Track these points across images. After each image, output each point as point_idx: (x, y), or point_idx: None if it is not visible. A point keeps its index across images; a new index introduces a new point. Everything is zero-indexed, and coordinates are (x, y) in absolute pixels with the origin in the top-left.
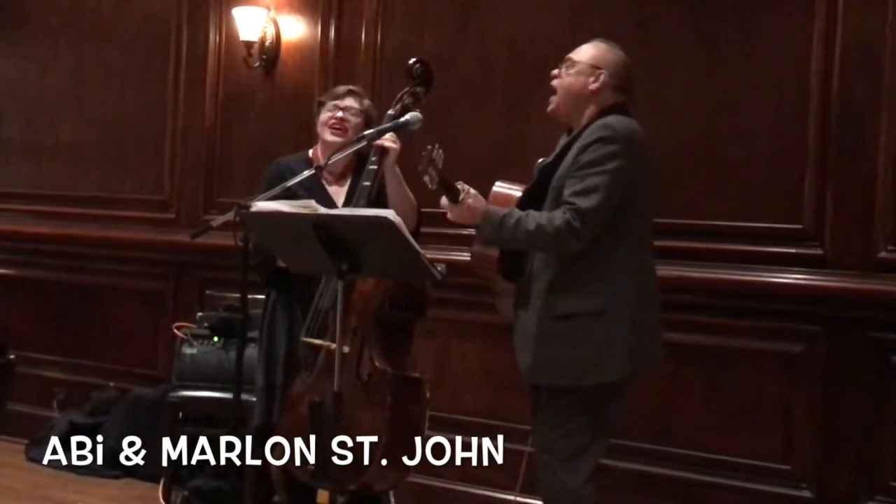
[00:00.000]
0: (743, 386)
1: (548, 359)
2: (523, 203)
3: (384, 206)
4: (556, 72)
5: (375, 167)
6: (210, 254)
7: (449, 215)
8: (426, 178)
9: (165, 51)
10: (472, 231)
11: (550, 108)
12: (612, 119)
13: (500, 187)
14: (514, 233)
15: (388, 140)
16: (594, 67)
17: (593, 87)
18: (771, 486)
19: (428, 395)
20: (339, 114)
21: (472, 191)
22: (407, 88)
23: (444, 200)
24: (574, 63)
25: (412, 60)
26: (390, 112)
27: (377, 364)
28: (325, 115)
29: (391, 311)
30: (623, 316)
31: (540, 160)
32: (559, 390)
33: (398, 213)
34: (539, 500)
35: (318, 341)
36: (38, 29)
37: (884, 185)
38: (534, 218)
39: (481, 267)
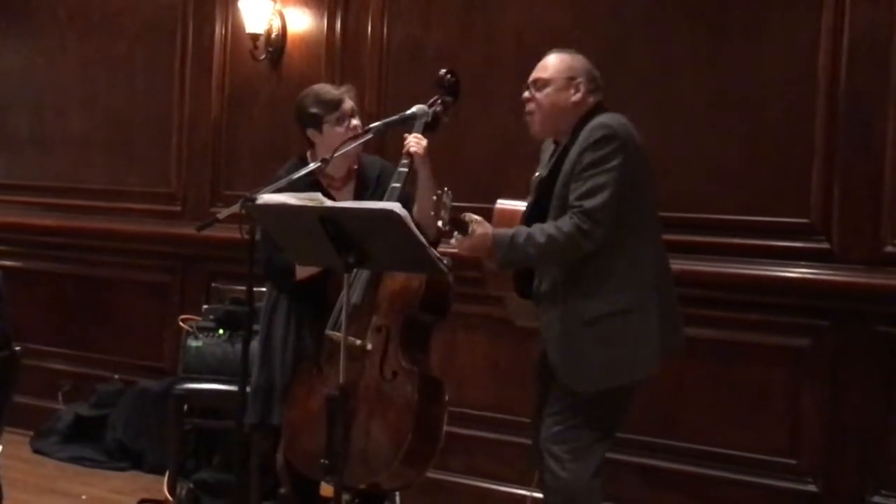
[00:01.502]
0: (750, 380)
1: (582, 366)
2: (528, 219)
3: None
4: (527, 94)
5: (406, 169)
6: (216, 246)
7: (459, 250)
8: (439, 222)
9: (172, 43)
10: None
11: (534, 130)
12: (606, 118)
13: (502, 204)
14: (527, 250)
15: (415, 144)
16: (570, 79)
17: (575, 98)
18: (777, 480)
19: (447, 397)
20: (354, 122)
21: (476, 217)
22: (437, 98)
23: (456, 237)
24: (547, 81)
25: (443, 71)
26: (421, 118)
27: (403, 364)
28: (339, 129)
29: (419, 311)
30: (649, 310)
31: (536, 175)
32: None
33: (428, 214)
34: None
35: (339, 334)
36: (45, 21)
37: (891, 180)
38: (543, 230)
39: (496, 286)
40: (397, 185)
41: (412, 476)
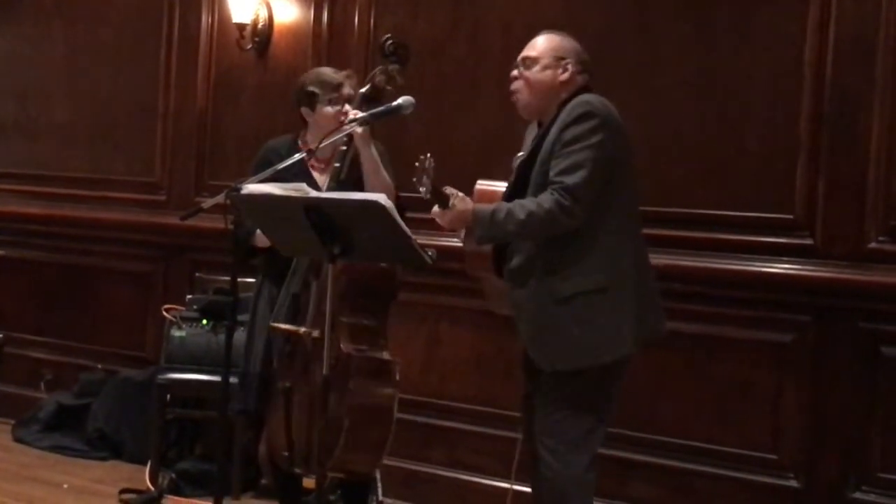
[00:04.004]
0: (732, 375)
1: (558, 344)
2: (507, 198)
3: (361, 186)
4: (515, 73)
5: (345, 148)
6: (200, 236)
7: (439, 221)
8: (421, 189)
9: (158, 32)
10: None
11: (520, 105)
12: (588, 96)
13: (482, 185)
14: (507, 225)
15: (347, 122)
16: (559, 59)
17: (563, 77)
18: (758, 475)
19: (398, 377)
20: (347, 108)
21: (460, 193)
22: (379, 66)
23: (434, 209)
24: (535, 59)
25: (385, 37)
26: (362, 91)
27: (343, 348)
28: (329, 110)
29: (356, 295)
30: (626, 290)
31: (518, 154)
32: (565, 372)
33: (376, 191)
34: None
35: (285, 326)
36: (31, 9)
37: (875, 176)
38: (523, 206)
39: (475, 266)
40: (337, 164)
41: (368, 460)
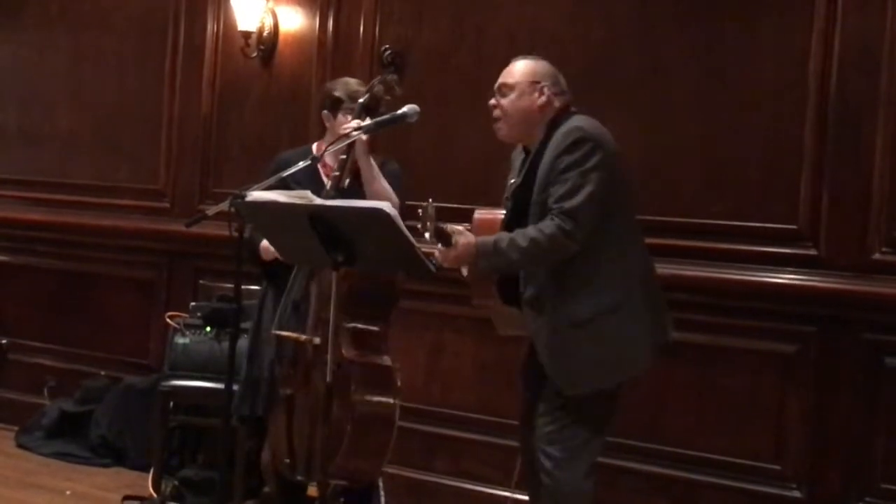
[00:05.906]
0: (735, 385)
1: (581, 366)
2: (507, 226)
3: (362, 196)
4: (493, 101)
5: (345, 156)
6: (204, 243)
7: (444, 263)
8: (426, 235)
9: (163, 39)
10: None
11: (501, 135)
12: (578, 121)
13: (481, 214)
14: (510, 254)
15: (352, 130)
16: (534, 83)
17: (541, 101)
18: (761, 485)
19: (399, 383)
20: (349, 118)
21: (459, 228)
22: (378, 77)
23: (437, 250)
24: (511, 86)
25: (383, 48)
26: (360, 101)
27: (345, 354)
28: (345, 120)
29: (358, 302)
30: (638, 304)
31: (511, 181)
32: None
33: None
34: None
35: (287, 333)
36: (35, 16)
37: (880, 187)
38: (525, 234)
39: (480, 294)
40: (337, 173)
41: (370, 466)
